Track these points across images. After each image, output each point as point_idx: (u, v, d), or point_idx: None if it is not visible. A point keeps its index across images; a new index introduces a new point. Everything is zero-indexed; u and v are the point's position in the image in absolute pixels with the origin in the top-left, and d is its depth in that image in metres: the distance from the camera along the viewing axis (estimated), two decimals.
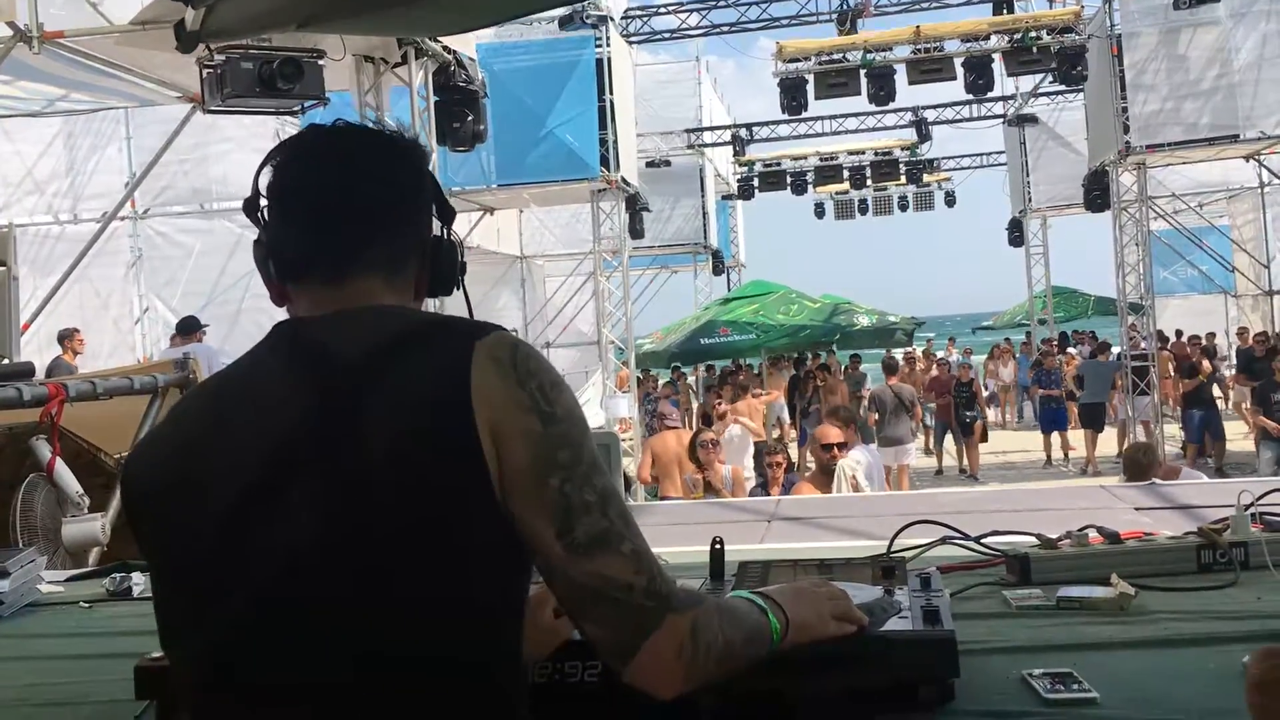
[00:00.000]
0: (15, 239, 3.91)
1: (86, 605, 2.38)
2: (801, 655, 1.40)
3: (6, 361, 3.77)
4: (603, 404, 15.65)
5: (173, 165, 11.51)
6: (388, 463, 1.15)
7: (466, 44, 9.86)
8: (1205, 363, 14.87)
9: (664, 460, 9.26)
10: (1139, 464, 5.97)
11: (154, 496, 1.26)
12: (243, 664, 1.16)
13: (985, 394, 20.52)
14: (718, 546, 1.87)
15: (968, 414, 16.09)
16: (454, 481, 1.15)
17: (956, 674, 1.40)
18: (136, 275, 13.45)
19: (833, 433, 6.77)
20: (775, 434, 15.53)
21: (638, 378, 17.44)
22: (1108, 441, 16.26)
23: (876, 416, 14.16)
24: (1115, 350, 17.24)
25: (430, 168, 1.46)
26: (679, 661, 1.17)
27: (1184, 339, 18.30)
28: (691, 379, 22.73)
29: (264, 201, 1.35)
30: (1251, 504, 2.14)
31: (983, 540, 2.24)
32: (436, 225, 1.43)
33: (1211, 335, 17.15)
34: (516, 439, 1.16)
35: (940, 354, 23.01)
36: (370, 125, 1.43)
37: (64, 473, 3.80)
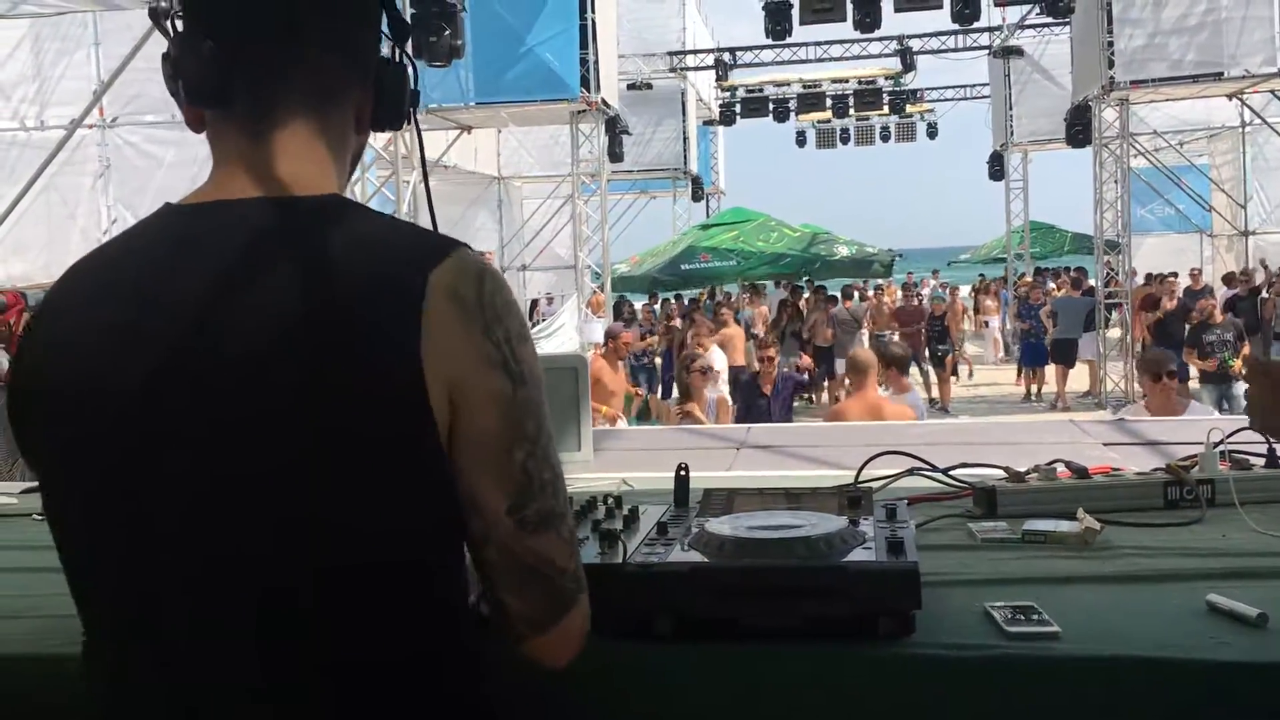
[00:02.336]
0: None
1: (39, 518, 2.34)
2: (761, 583, 1.38)
3: None
4: (578, 328, 15.63)
5: (143, 73, 11.21)
6: (300, 427, 1.03)
7: None
8: (1165, 300, 14.88)
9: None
10: (1159, 360, 6.36)
11: (43, 395, 1.11)
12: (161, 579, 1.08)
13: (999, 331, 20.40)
14: (682, 473, 1.85)
15: (940, 347, 16.18)
16: (382, 442, 1.04)
17: (918, 606, 1.38)
18: (105, 185, 13.19)
19: (866, 358, 6.84)
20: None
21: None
22: (1078, 377, 16.40)
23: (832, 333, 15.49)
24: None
25: None
26: (580, 639, 1.18)
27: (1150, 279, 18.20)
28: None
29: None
30: (1221, 441, 2.13)
31: (950, 472, 2.23)
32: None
33: (1175, 274, 17.23)
34: (483, 402, 1.06)
35: (926, 290, 23.01)
36: None
37: None
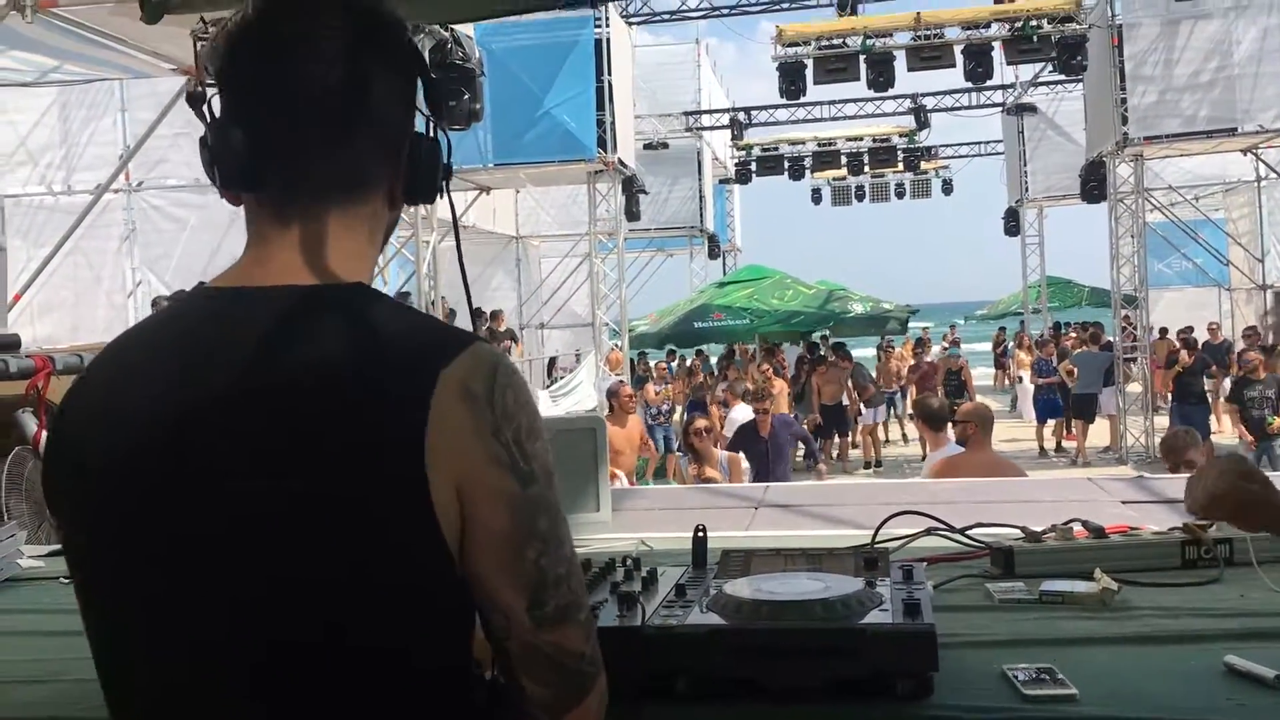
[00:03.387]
0: (3, 210, 3.88)
1: (66, 580, 2.36)
2: (779, 645, 1.40)
3: None
4: (596, 386, 15.67)
5: (168, 139, 11.44)
6: (299, 519, 1.06)
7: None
8: (1184, 354, 14.79)
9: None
10: (1177, 447, 6.03)
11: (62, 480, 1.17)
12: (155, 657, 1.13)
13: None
14: (700, 534, 1.86)
15: (957, 403, 16.14)
16: (384, 545, 1.06)
17: (935, 668, 1.39)
18: (130, 249, 13.40)
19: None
20: None
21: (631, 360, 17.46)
22: (1099, 433, 16.31)
23: (870, 387, 16.05)
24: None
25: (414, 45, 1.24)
26: (598, 718, 1.18)
27: (1167, 335, 18.03)
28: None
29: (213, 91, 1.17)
30: None
31: (968, 532, 2.23)
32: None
33: (1189, 329, 17.16)
34: (492, 501, 1.08)
35: (944, 345, 22.86)
36: None
37: None
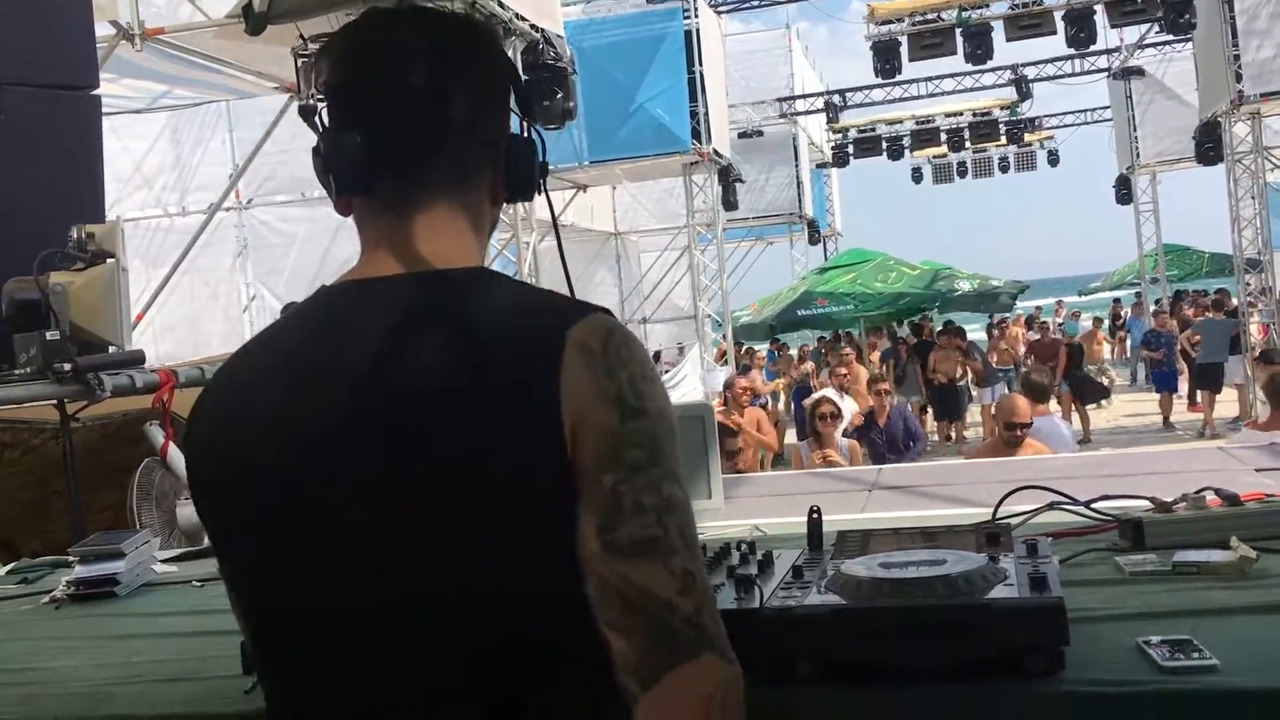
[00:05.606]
0: (123, 231, 4.03)
1: (199, 584, 2.45)
2: (901, 623, 1.37)
3: (115, 350, 3.91)
4: (701, 378, 15.66)
5: (274, 155, 11.77)
6: (452, 488, 1.09)
7: (555, 21, 9.88)
8: None
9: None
10: None
11: (208, 482, 1.23)
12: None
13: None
14: (815, 515, 1.84)
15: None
16: (536, 494, 1.09)
17: (1065, 642, 1.35)
18: (243, 264, 13.81)
19: (1021, 408, 5.65)
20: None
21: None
22: (1227, 405, 15.72)
23: (980, 365, 15.55)
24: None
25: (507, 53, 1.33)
26: (706, 712, 1.02)
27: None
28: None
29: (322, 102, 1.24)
30: None
31: (1093, 505, 2.16)
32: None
33: None
34: (591, 432, 1.08)
35: (1050, 319, 22.22)
36: (436, 7, 1.30)
37: (177, 457, 3.93)
